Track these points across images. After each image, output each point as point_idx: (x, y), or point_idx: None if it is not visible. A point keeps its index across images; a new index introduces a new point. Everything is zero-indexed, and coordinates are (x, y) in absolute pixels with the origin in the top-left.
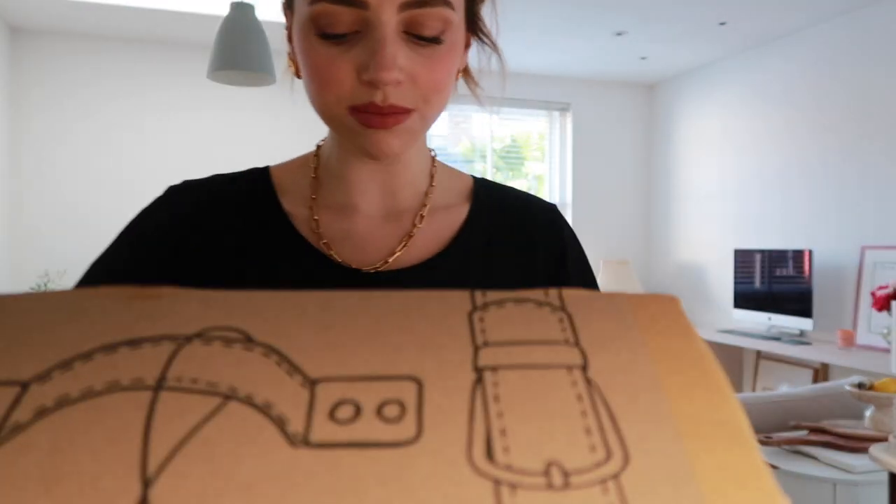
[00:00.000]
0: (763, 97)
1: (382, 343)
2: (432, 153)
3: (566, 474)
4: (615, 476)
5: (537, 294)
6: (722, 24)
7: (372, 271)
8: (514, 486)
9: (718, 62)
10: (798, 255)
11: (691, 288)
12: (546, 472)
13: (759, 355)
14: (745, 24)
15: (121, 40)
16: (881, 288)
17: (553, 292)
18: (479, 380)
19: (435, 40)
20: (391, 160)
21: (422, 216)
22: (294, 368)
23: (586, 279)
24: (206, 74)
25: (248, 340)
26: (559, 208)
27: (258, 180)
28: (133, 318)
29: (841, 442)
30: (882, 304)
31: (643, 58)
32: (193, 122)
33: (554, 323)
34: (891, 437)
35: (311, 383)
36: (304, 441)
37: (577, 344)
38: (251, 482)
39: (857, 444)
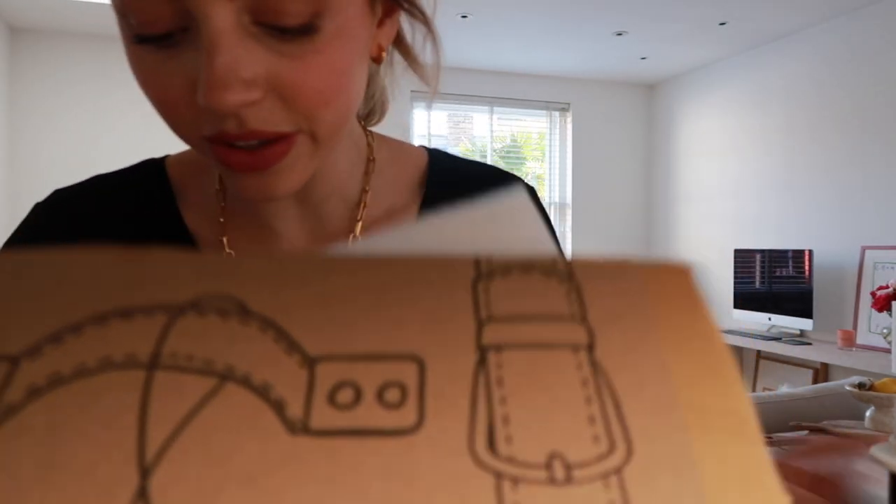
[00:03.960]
0: (763, 97)
1: (383, 317)
2: (369, 140)
3: (568, 468)
4: (618, 470)
5: (545, 261)
6: (722, 24)
7: None
8: (515, 481)
9: (718, 62)
10: (798, 255)
11: None
12: (548, 465)
13: (759, 355)
14: (745, 24)
15: (120, 40)
16: (881, 288)
17: (561, 265)
18: (482, 360)
19: (305, 30)
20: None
21: (355, 237)
22: (292, 345)
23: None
24: None
25: (244, 312)
26: (559, 208)
27: (153, 182)
28: (123, 284)
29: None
30: (882, 304)
31: (643, 58)
32: None
33: (561, 295)
34: (891, 437)
35: (311, 363)
36: (304, 428)
37: (584, 320)
38: (251, 473)
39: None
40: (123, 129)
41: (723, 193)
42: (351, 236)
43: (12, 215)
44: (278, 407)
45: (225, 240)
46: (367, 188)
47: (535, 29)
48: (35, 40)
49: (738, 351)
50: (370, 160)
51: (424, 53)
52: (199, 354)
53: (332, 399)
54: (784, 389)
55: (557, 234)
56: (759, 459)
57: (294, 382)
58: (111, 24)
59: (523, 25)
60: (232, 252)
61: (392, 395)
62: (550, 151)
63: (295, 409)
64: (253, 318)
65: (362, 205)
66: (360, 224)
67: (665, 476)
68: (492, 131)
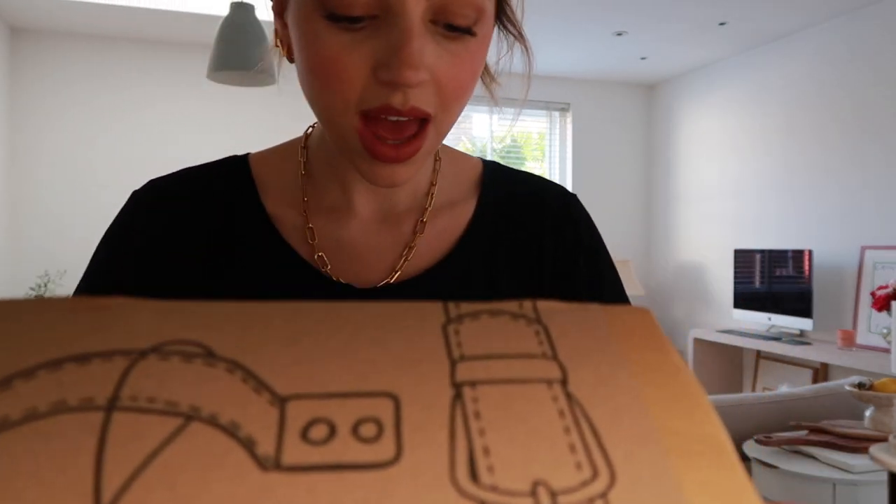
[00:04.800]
0: (763, 97)
1: (354, 358)
2: None
3: (553, 494)
4: (603, 495)
5: (511, 306)
6: (722, 24)
7: (368, 288)
8: None
9: (718, 62)
10: (798, 255)
11: (691, 288)
12: (533, 493)
13: (759, 355)
14: (745, 24)
15: (121, 40)
16: (881, 288)
17: (528, 304)
18: (458, 395)
19: (466, 32)
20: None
21: (423, 222)
22: (261, 385)
23: (601, 272)
24: (205, 74)
25: (210, 355)
26: None
27: (236, 175)
28: (80, 331)
29: (841, 442)
30: (882, 304)
31: (643, 58)
32: (193, 122)
33: (531, 336)
34: (891, 437)
35: (281, 401)
36: (276, 464)
37: (555, 357)
38: None
39: (857, 444)
40: (123, 129)
41: (723, 194)
42: (420, 221)
43: (12, 215)
44: (248, 444)
45: (310, 225)
46: (434, 182)
47: (536, 29)
48: (35, 40)
49: (738, 351)
50: (437, 160)
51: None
52: (161, 396)
53: (305, 435)
54: (784, 389)
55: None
56: (739, 480)
57: (264, 420)
58: (111, 24)
59: (523, 25)
60: (312, 227)
61: (367, 429)
62: (550, 151)
63: (266, 447)
64: (219, 361)
65: (430, 195)
66: (428, 210)
67: (651, 500)
68: (492, 131)
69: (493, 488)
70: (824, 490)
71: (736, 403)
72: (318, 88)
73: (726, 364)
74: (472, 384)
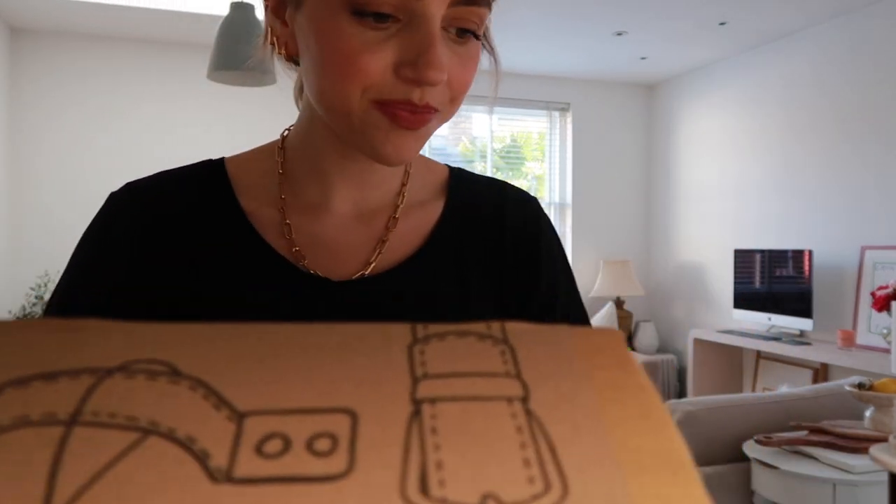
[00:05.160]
0: (763, 97)
1: (316, 376)
2: None
3: None
4: None
5: (479, 327)
6: (722, 24)
7: (344, 281)
8: None
9: (718, 62)
10: (798, 255)
11: (691, 288)
12: None
13: (759, 355)
14: (745, 24)
15: (121, 40)
16: (881, 288)
17: (496, 325)
18: (417, 412)
19: (472, 36)
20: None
21: (395, 218)
22: (222, 402)
23: (559, 275)
24: (205, 74)
25: (175, 374)
26: (559, 208)
27: (212, 176)
28: (51, 351)
29: (841, 442)
30: (882, 304)
31: (643, 58)
32: (193, 122)
33: (496, 356)
34: (891, 438)
35: (240, 417)
36: (227, 477)
37: (518, 376)
38: None
39: (857, 444)
40: (123, 129)
41: (723, 193)
42: (392, 217)
43: (12, 214)
44: (202, 457)
45: (287, 221)
46: (405, 182)
47: (535, 29)
48: (35, 40)
49: (738, 351)
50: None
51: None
52: (122, 412)
53: (259, 449)
54: (784, 389)
55: (559, 237)
56: (696, 496)
57: (220, 435)
58: (111, 24)
59: (523, 25)
60: (289, 223)
61: (322, 444)
62: (550, 151)
63: (219, 460)
64: (183, 379)
65: (401, 194)
66: (399, 208)
67: None
68: (492, 131)
69: (443, 501)
70: (824, 490)
71: (736, 403)
72: (334, 78)
73: (726, 364)
74: (433, 401)
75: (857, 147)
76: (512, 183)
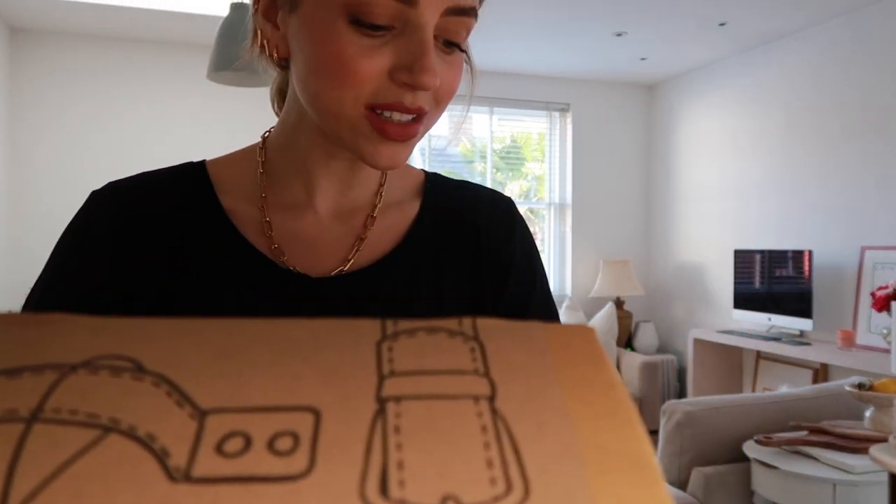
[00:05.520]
0: (763, 97)
1: (282, 372)
2: None
3: None
4: None
5: (451, 323)
6: (722, 24)
7: (322, 277)
8: None
9: (718, 62)
10: (798, 255)
11: (691, 288)
12: None
13: (759, 355)
14: (745, 24)
15: (121, 40)
16: (881, 288)
17: (467, 321)
18: (381, 410)
19: (458, 47)
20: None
21: (373, 217)
22: (185, 399)
23: (534, 273)
24: (205, 75)
25: (139, 370)
26: (559, 208)
27: (193, 176)
28: (16, 346)
29: (841, 442)
30: (882, 304)
31: (643, 58)
32: (193, 122)
33: (465, 353)
34: (891, 438)
35: (202, 415)
36: (186, 476)
37: (486, 374)
38: None
39: (857, 444)
40: (122, 129)
41: (723, 193)
42: (370, 216)
43: (12, 213)
44: (161, 456)
45: (267, 218)
46: (382, 182)
47: (535, 29)
48: (35, 40)
49: (738, 351)
50: None
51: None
52: (83, 409)
53: (219, 448)
54: (784, 389)
55: (556, 234)
56: (659, 500)
57: (181, 433)
58: (111, 24)
59: (523, 25)
60: (269, 220)
61: (283, 443)
62: (550, 151)
63: (178, 458)
64: (147, 375)
65: (379, 194)
66: (377, 207)
67: None
68: (492, 131)
69: (402, 501)
70: (824, 490)
71: (736, 403)
72: (330, 83)
73: (726, 364)
74: (398, 399)
75: (857, 147)
76: (511, 183)
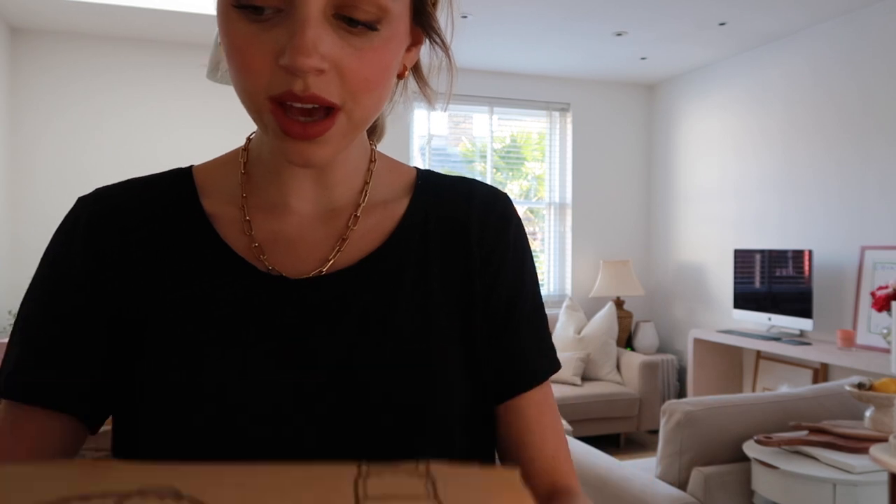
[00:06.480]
0: (763, 97)
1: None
2: (372, 146)
3: None
4: None
5: (409, 467)
6: (722, 24)
7: (300, 278)
8: None
9: (718, 62)
10: (798, 255)
11: (691, 288)
12: None
13: (759, 355)
14: (745, 24)
15: (121, 40)
16: (881, 288)
17: (422, 467)
18: None
19: (368, 27)
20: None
21: (356, 216)
22: None
23: (525, 272)
24: (205, 75)
25: (177, 495)
26: (559, 208)
27: (179, 182)
28: (85, 478)
29: (841, 442)
30: (882, 304)
31: (643, 58)
32: (193, 122)
33: (420, 486)
34: (891, 438)
35: None
36: None
37: (436, 497)
38: None
39: (857, 444)
40: (123, 129)
41: (723, 193)
42: (353, 216)
43: (12, 214)
44: None
45: (248, 218)
46: (367, 181)
47: (535, 29)
48: (35, 40)
49: (738, 351)
50: (371, 161)
51: (434, 79)
52: None
53: None
54: (784, 389)
55: (556, 234)
56: None
57: None
58: (111, 23)
59: (523, 25)
60: (249, 220)
61: None
62: (550, 151)
63: None
64: (184, 500)
65: (364, 193)
66: (361, 206)
67: None
68: (492, 131)
69: None
70: (824, 490)
71: (736, 403)
72: (235, 78)
73: (726, 364)
74: None
75: (857, 147)
76: (511, 183)
